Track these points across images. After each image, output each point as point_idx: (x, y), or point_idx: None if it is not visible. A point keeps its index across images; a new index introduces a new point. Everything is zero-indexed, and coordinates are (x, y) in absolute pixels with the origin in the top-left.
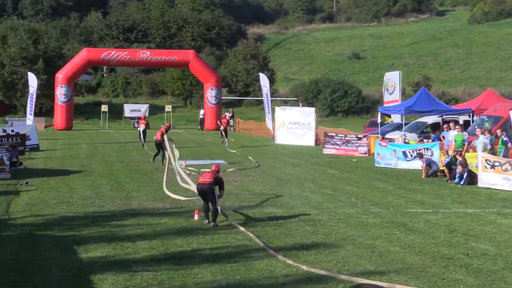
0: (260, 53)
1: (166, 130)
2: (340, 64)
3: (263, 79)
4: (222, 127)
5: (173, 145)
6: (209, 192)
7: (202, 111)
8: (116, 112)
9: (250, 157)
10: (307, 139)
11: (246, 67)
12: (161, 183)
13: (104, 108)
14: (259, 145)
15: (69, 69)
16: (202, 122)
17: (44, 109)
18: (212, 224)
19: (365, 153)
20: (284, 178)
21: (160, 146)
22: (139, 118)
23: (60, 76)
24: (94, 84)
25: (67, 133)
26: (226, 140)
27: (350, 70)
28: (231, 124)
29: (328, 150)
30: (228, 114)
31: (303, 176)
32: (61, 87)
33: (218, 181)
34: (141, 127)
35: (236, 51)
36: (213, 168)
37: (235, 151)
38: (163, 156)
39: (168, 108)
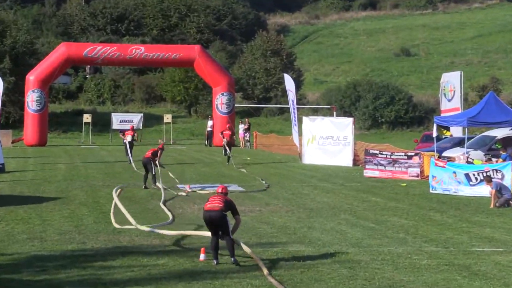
0: (284, 49)
1: (156, 153)
2: (385, 62)
3: (288, 82)
4: (225, 140)
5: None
6: (221, 221)
7: (210, 123)
8: (102, 124)
9: (259, 178)
10: (343, 158)
11: (266, 67)
12: (159, 214)
13: (87, 118)
14: (282, 166)
15: (43, 69)
16: (210, 136)
17: (11, 120)
18: (232, 260)
19: (417, 176)
20: (314, 208)
21: (147, 166)
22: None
23: (32, 78)
24: (75, 88)
25: (40, 149)
26: (230, 155)
27: (397, 70)
28: (247, 139)
29: (370, 172)
30: (243, 126)
31: (338, 205)
32: (33, 91)
33: (229, 206)
34: (127, 138)
35: (254, 46)
36: (220, 190)
37: (244, 170)
38: (153, 178)
39: (168, 118)
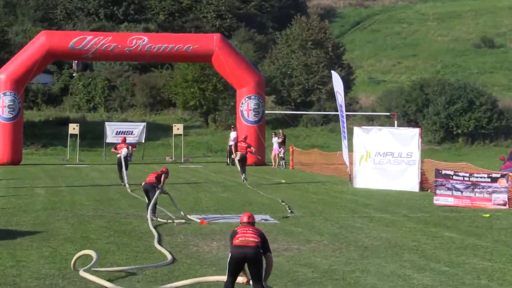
0: (329, 39)
1: (160, 178)
2: (461, 56)
3: (336, 82)
4: (238, 155)
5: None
6: (257, 260)
7: (233, 134)
8: (92, 136)
9: (281, 200)
10: (407, 181)
11: (306, 62)
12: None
13: (74, 129)
14: (326, 191)
15: (17, 66)
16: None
17: None
18: None
19: (504, 204)
20: (369, 246)
21: (149, 193)
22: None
23: (3, 77)
24: (58, 90)
25: (14, 169)
26: (244, 177)
27: (478, 66)
28: (282, 155)
29: (442, 199)
30: (276, 139)
31: (400, 243)
32: (4, 94)
33: (264, 240)
34: (122, 152)
35: (290, 35)
36: (247, 220)
37: (258, 190)
38: (152, 207)
39: (178, 129)
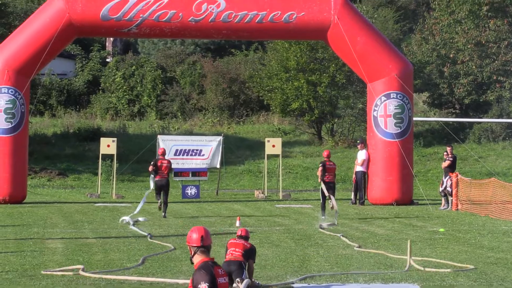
0: None
1: (251, 252)
2: None
3: None
4: (322, 186)
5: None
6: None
7: (362, 155)
8: (139, 158)
9: (342, 236)
10: None
11: (480, 39)
12: None
13: (108, 146)
14: None
15: (18, 47)
16: (361, 181)
17: None
18: None
19: None
20: None
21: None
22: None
23: None
24: (83, 85)
25: (15, 210)
26: (335, 205)
27: None
28: (449, 188)
29: None
30: (446, 159)
31: None
32: (1, 91)
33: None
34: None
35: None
36: (243, 233)
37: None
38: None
39: (274, 146)
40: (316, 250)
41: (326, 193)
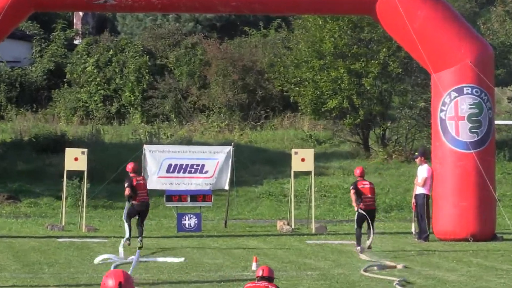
0: None
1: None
2: None
3: None
4: (360, 211)
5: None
6: None
7: (423, 171)
8: (117, 176)
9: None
10: None
11: None
12: None
13: (76, 159)
14: None
15: None
16: (422, 205)
17: None
18: None
19: None
20: None
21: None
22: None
23: None
24: (41, 76)
25: None
26: (371, 235)
27: None
28: None
29: None
30: None
31: None
32: None
33: None
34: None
35: None
36: (266, 273)
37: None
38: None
39: (304, 158)
40: None
41: (366, 218)
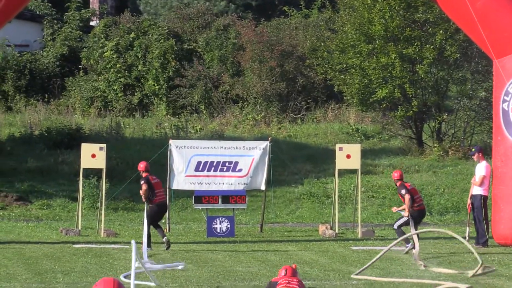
0: None
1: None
2: None
3: None
4: (405, 211)
5: None
6: None
7: (481, 168)
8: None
9: None
10: None
11: None
12: None
13: (92, 156)
14: None
15: None
16: (481, 211)
17: None
18: None
19: None
20: None
21: None
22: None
23: None
24: (53, 63)
25: None
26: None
27: None
28: None
29: None
30: None
31: None
32: None
33: None
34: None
35: None
36: (285, 273)
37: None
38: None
39: (349, 156)
40: None
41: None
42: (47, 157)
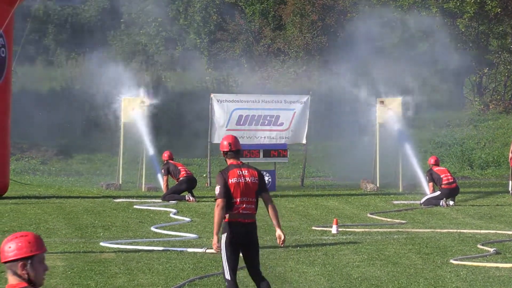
0: None
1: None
2: None
3: None
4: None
5: None
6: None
7: None
8: (190, 129)
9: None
10: None
11: None
12: None
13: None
14: None
15: None
16: None
17: None
18: None
19: None
20: None
21: None
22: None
23: None
24: (93, 17)
25: None
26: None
27: None
28: None
29: None
30: None
31: None
32: None
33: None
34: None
35: None
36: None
37: None
38: None
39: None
40: (455, 271)
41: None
42: (88, 112)
